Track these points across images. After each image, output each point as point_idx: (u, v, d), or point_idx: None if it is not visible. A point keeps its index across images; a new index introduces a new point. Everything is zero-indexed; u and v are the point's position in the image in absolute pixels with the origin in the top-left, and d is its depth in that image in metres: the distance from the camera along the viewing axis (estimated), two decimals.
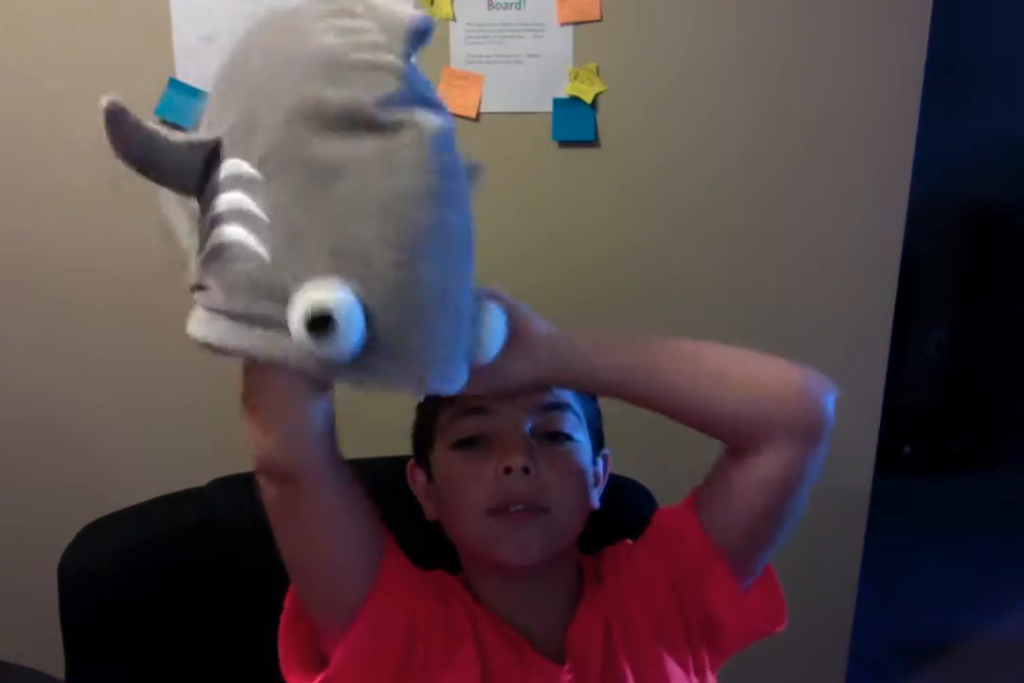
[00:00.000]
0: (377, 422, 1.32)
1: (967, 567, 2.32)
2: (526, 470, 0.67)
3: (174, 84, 1.30)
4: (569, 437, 0.72)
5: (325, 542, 0.64)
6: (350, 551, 0.66)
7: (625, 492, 0.83)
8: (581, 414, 0.74)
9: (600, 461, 0.77)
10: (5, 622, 1.51)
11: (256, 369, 0.55)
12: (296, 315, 0.48)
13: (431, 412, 0.74)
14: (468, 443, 0.70)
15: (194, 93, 1.28)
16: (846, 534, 1.48)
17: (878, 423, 1.43)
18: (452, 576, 0.77)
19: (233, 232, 0.50)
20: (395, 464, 0.88)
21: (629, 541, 0.76)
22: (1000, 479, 2.86)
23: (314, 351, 0.48)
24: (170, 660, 0.79)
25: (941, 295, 2.99)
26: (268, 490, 0.62)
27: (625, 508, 0.81)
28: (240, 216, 0.50)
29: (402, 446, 0.85)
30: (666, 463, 1.35)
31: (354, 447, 0.91)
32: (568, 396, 0.73)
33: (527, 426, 0.70)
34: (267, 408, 0.58)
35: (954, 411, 3.01)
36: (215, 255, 0.51)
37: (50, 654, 0.81)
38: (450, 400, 0.70)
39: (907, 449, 2.86)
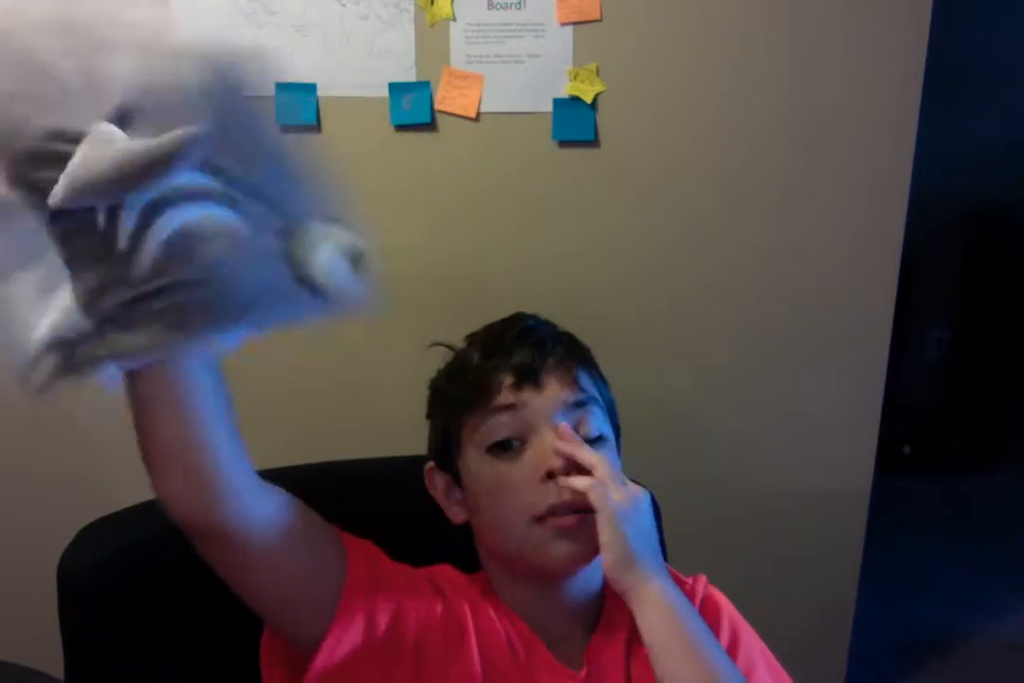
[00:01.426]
0: (378, 422, 1.32)
1: (967, 567, 2.32)
2: (567, 473, 0.67)
3: None
4: (601, 437, 0.72)
5: (265, 582, 0.63)
6: (299, 585, 0.64)
7: None
8: (603, 404, 0.75)
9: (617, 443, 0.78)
10: (5, 622, 1.51)
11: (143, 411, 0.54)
12: None
13: (455, 417, 0.74)
14: (503, 446, 0.70)
15: None
16: (846, 534, 1.48)
17: (878, 423, 1.43)
18: (464, 573, 0.77)
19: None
20: (395, 464, 0.88)
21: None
22: (1000, 479, 2.86)
23: None
24: (170, 660, 0.79)
25: (941, 295, 2.99)
26: (194, 543, 0.60)
27: None
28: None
29: (403, 446, 0.85)
30: (666, 463, 1.35)
31: (355, 447, 0.91)
32: (591, 388, 0.74)
33: (560, 424, 0.70)
34: (161, 466, 0.56)
35: (954, 411, 3.00)
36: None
37: (50, 654, 0.81)
38: (478, 404, 0.71)
39: (907, 449, 2.86)
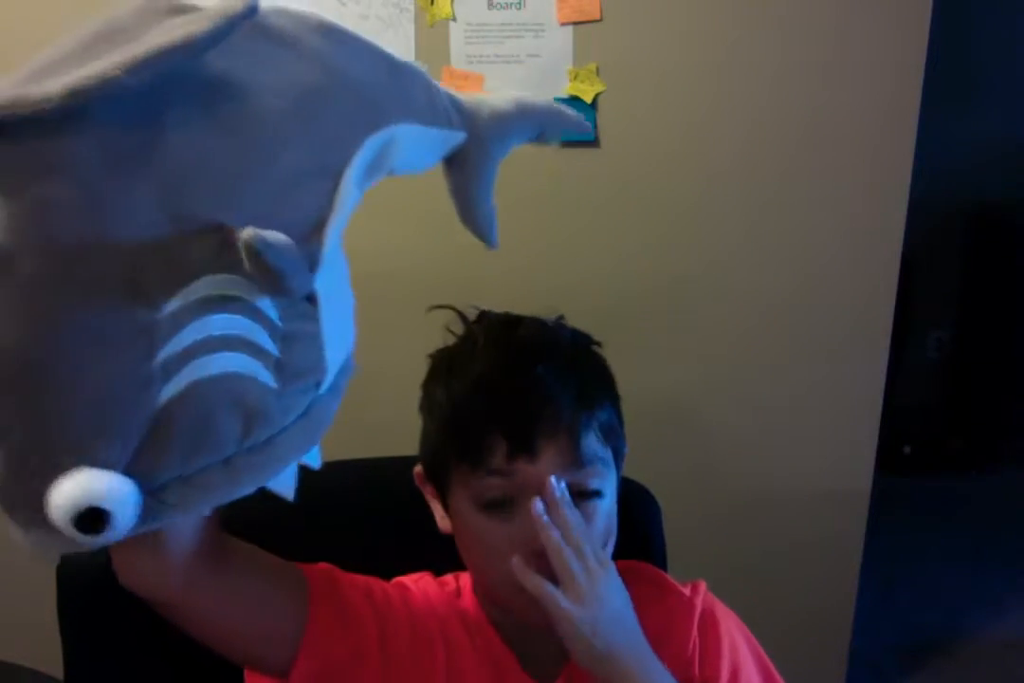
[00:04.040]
0: (378, 422, 1.32)
1: (967, 567, 2.32)
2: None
3: None
4: (597, 493, 0.68)
5: (224, 632, 0.63)
6: (257, 632, 0.64)
7: (626, 493, 0.83)
8: (607, 446, 0.70)
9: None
10: (5, 622, 1.51)
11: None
12: None
13: (444, 461, 0.69)
14: (495, 505, 0.66)
15: None
16: (846, 534, 1.48)
17: (878, 423, 1.43)
18: (444, 579, 0.76)
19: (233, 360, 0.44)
20: (395, 464, 0.88)
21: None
22: (1000, 479, 2.86)
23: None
24: (168, 660, 0.79)
25: (941, 295, 2.98)
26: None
27: (626, 509, 0.80)
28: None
29: (403, 446, 0.85)
30: (666, 463, 1.35)
31: (355, 447, 0.91)
32: (595, 446, 0.68)
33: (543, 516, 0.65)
34: (122, 555, 0.55)
35: (954, 411, 3.00)
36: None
37: (50, 654, 0.81)
38: (469, 462, 0.66)
39: (907, 449, 2.86)
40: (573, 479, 0.66)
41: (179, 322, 0.42)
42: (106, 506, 0.41)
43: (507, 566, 0.64)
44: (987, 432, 2.94)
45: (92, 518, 0.41)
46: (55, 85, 0.37)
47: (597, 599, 0.62)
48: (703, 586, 0.77)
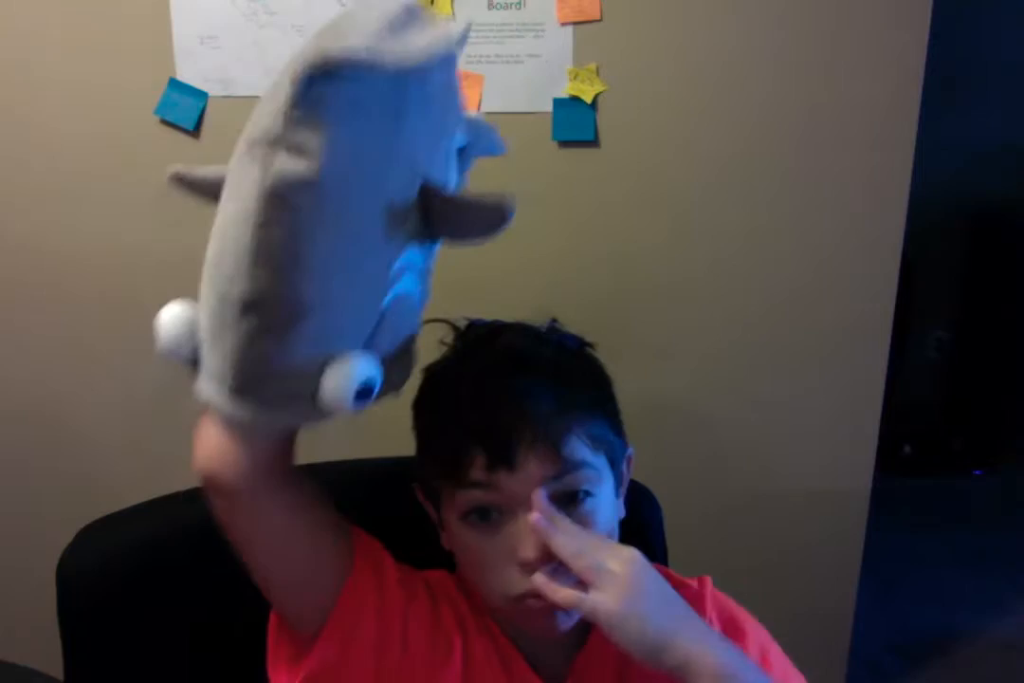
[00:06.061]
0: (377, 422, 1.32)
1: (967, 567, 2.32)
2: (547, 560, 0.62)
3: (174, 84, 1.30)
4: (588, 493, 0.66)
5: (274, 557, 0.64)
6: (303, 567, 0.65)
7: (626, 493, 0.83)
8: (598, 452, 0.68)
9: (624, 464, 0.74)
10: (5, 622, 1.51)
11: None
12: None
13: (431, 478, 0.70)
14: (478, 514, 0.65)
15: (194, 93, 1.28)
16: (846, 534, 1.48)
17: (878, 423, 1.43)
18: (456, 579, 0.76)
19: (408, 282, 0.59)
20: (395, 464, 0.88)
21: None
22: (1000, 479, 2.86)
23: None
24: (169, 660, 0.79)
25: (941, 295, 2.99)
26: (211, 500, 0.61)
27: (626, 509, 0.80)
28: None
29: (402, 446, 0.85)
30: (666, 463, 1.35)
31: (354, 447, 0.91)
32: (580, 451, 0.66)
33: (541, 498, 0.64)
34: (220, 434, 0.58)
35: (955, 411, 3.00)
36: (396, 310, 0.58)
37: (50, 654, 0.81)
38: (450, 476, 0.66)
39: (907, 449, 2.86)
40: (558, 487, 0.64)
41: (397, 255, 0.56)
42: (375, 380, 0.54)
43: (499, 578, 0.64)
44: (987, 432, 2.94)
45: (366, 390, 0.53)
46: (413, 47, 0.49)
47: (632, 589, 0.60)
48: (709, 581, 0.77)
